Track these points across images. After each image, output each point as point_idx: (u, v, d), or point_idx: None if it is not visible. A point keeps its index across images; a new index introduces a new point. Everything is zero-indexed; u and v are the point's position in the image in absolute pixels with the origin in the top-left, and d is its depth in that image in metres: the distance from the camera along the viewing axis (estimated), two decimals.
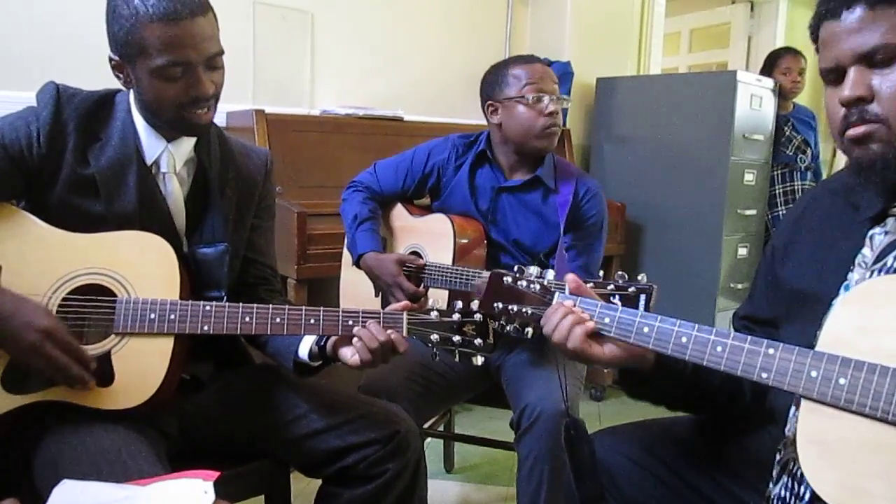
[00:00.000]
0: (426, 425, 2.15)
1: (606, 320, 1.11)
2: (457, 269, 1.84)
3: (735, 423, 1.27)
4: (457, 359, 1.34)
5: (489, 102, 1.96)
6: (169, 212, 1.39)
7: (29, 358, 1.16)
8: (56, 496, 0.88)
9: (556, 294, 1.18)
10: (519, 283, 1.24)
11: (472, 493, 2.53)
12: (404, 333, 1.32)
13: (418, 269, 1.91)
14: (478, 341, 1.32)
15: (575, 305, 1.14)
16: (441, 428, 2.49)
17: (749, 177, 3.34)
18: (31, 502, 1.03)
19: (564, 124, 3.51)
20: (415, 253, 2.01)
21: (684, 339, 1.03)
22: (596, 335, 1.13)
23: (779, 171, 3.62)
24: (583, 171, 2.06)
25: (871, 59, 0.97)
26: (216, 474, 0.88)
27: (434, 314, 1.33)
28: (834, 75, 1.02)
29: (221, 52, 1.32)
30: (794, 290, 1.15)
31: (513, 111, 1.90)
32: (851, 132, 1.00)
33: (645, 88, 3.58)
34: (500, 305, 1.26)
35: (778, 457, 1.08)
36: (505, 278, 1.26)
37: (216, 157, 1.44)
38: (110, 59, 1.31)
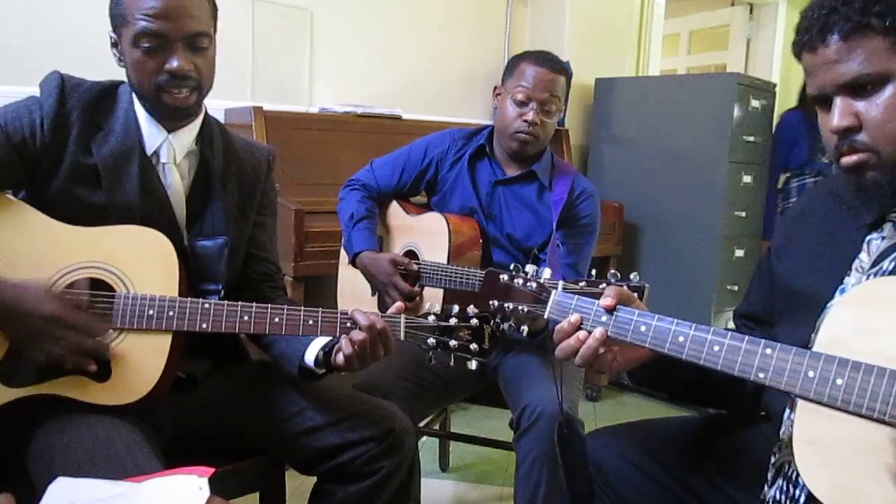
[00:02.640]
0: (422, 424, 2.15)
1: (604, 318, 1.10)
2: (452, 269, 1.84)
3: (730, 422, 1.27)
4: (452, 363, 1.34)
5: (496, 86, 2.00)
6: (169, 203, 1.38)
7: (39, 345, 1.16)
8: (51, 493, 0.88)
9: (553, 292, 1.18)
10: (515, 280, 1.24)
11: (468, 493, 2.53)
12: (401, 336, 1.32)
13: (413, 269, 1.91)
14: (473, 346, 1.32)
15: (573, 305, 1.14)
16: (437, 427, 2.49)
17: (747, 178, 3.35)
18: (25, 497, 1.03)
19: (563, 125, 3.52)
20: (410, 251, 2.01)
21: (681, 339, 1.03)
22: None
23: (811, 179, 3.57)
24: (580, 173, 2.07)
25: (854, 88, 0.97)
26: (211, 470, 0.88)
27: (431, 318, 1.33)
28: (823, 102, 1.02)
29: (205, 34, 1.31)
30: (789, 289, 1.16)
31: (503, 103, 1.94)
32: (845, 161, 1.00)
33: (644, 89, 3.58)
34: (496, 303, 1.26)
35: (773, 459, 1.08)
36: (501, 276, 1.26)
37: (219, 152, 1.44)
38: (110, 37, 1.33)
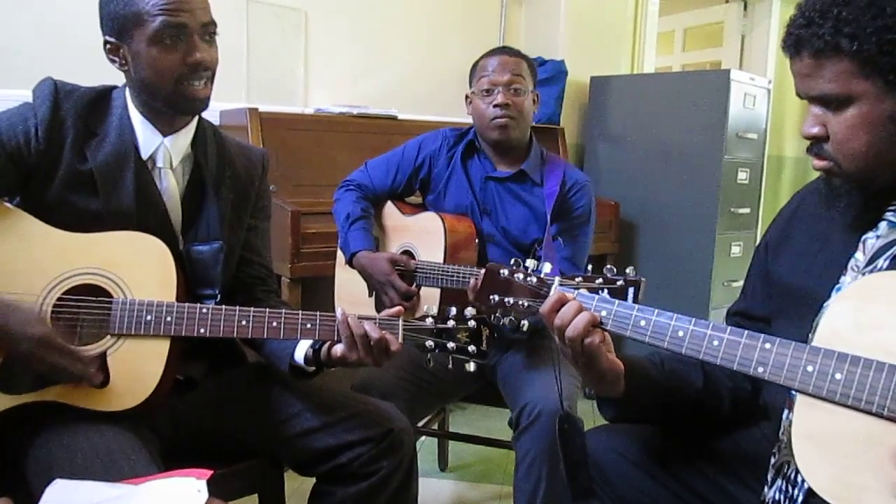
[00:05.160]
0: (420, 424, 2.15)
1: (603, 313, 1.10)
2: (449, 268, 1.84)
3: (729, 420, 1.27)
4: (450, 365, 1.34)
5: (467, 94, 2.02)
6: (165, 208, 1.38)
7: (25, 363, 1.16)
8: (49, 495, 0.88)
9: (553, 287, 1.18)
10: (515, 275, 1.24)
11: (466, 492, 2.53)
12: (400, 339, 1.32)
13: (411, 267, 1.91)
14: (471, 348, 1.32)
15: (574, 298, 1.13)
16: (435, 426, 2.49)
17: (742, 175, 3.35)
18: (23, 502, 1.03)
19: (558, 122, 3.52)
20: (407, 252, 2.01)
21: (681, 333, 1.03)
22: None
23: None
24: (572, 165, 2.08)
25: (825, 102, 1.01)
26: (209, 473, 0.88)
27: (429, 320, 1.33)
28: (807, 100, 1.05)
29: (215, 24, 1.33)
30: (785, 287, 1.16)
31: (474, 103, 1.96)
32: (815, 163, 1.05)
33: (639, 87, 3.58)
34: (496, 298, 1.25)
35: (773, 460, 1.08)
36: (501, 271, 1.26)
37: (213, 156, 1.44)
38: (105, 44, 1.32)
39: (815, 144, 1.03)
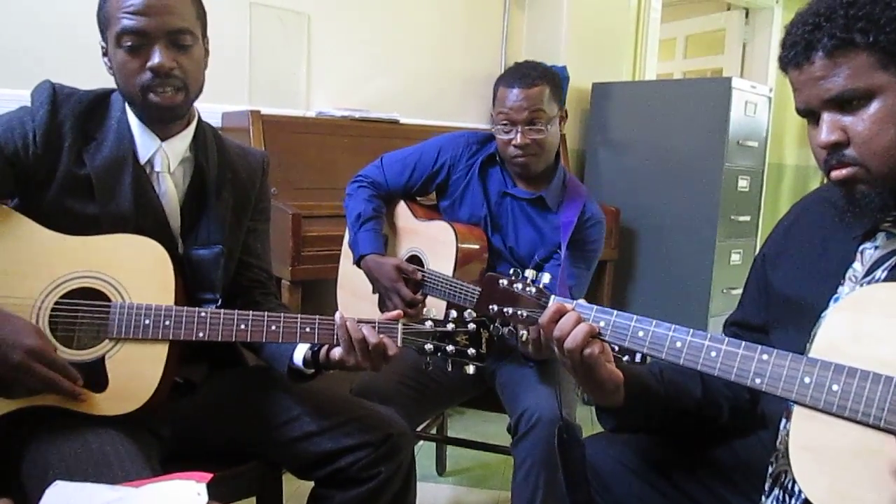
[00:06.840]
0: (419, 428, 2.15)
1: (602, 324, 1.10)
2: (456, 282, 1.81)
3: (728, 428, 1.28)
4: (450, 368, 1.34)
5: (490, 113, 1.96)
6: (163, 212, 1.38)
7: (16, 375, 1.15)
8: (48, 497, 0.88)
9: (553, 297, 1.18)
10: (514, 285, 1.24)
11: (464, 497, 2.53)
12: (399, 343, 1.32)
13: (417, 277, 1.90)
14: (471, 351, 1.32)
15: (573, 308, 1.14)
16: (434, 431, 2.49)
17: (743, 183, 3.35)
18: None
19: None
20: (415, 256, 2.00)
21: (679, 344, 1.03)
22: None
23: None
24: (592, 198, 2.00)
25: (841, 103, 0.97)
26: (209, 476, 0.88)
27: (429, 324, 1.34)
28: (810, 116, 1.02)
29: (187, 31, 1.29)
30: (784, 297, 1.16)
31: (496, 130, 1.89)
32: (834, 175, 1.00)
33: (640, 94, 3.58)
34: (495, 307, 1.26)
35: (770, 469, 1.09)
36: (500, 281, 1.26)
37: (213, 159, 1.43)
38: (101, 46, 1.33)
39: (835, 153, 0.99)
